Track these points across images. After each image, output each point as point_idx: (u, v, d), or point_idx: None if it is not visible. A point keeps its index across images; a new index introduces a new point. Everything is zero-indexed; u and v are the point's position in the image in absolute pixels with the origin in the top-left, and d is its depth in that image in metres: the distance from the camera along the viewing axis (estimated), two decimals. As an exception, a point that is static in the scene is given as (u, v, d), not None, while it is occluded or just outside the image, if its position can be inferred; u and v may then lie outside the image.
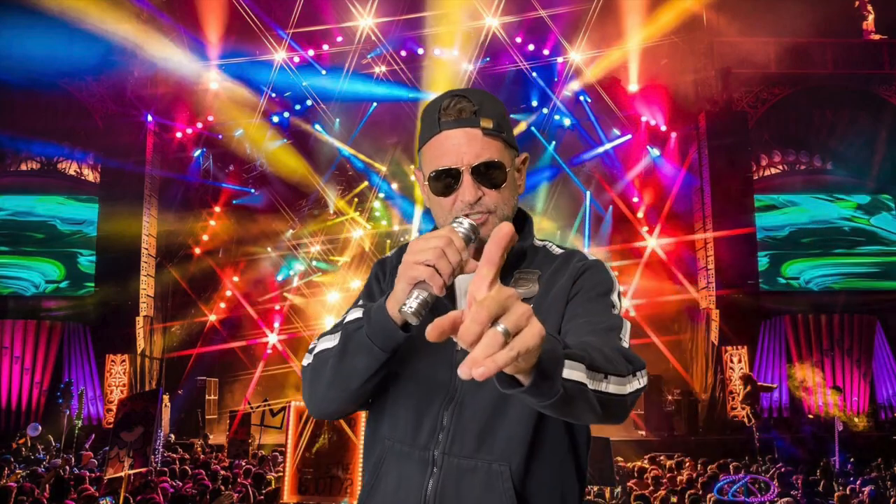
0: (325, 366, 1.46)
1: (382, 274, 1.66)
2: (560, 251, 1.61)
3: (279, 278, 18.00)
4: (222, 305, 17.32)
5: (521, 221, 1.64)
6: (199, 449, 12.55)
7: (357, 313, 1.45)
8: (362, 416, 5.79)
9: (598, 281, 1.50)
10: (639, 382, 1.36)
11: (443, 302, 1.44)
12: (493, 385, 1.35)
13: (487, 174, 1.49)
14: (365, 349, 1.39)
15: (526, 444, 1.43)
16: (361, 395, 1.47)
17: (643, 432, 14.40)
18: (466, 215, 1.47)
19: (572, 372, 1.20)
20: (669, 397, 15.11)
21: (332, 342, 1.47)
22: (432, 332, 1.02)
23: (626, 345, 1.40)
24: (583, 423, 1.46)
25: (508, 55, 16.21)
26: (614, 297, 1.50)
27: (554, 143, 17.37)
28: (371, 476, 1.53)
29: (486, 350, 0.95)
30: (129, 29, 15.18)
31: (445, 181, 1.50)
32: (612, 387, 1.27)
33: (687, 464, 10.49)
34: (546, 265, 1.57)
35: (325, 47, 16.40)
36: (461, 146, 1.49)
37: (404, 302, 1.28)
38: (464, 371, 0.96)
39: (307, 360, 1.53)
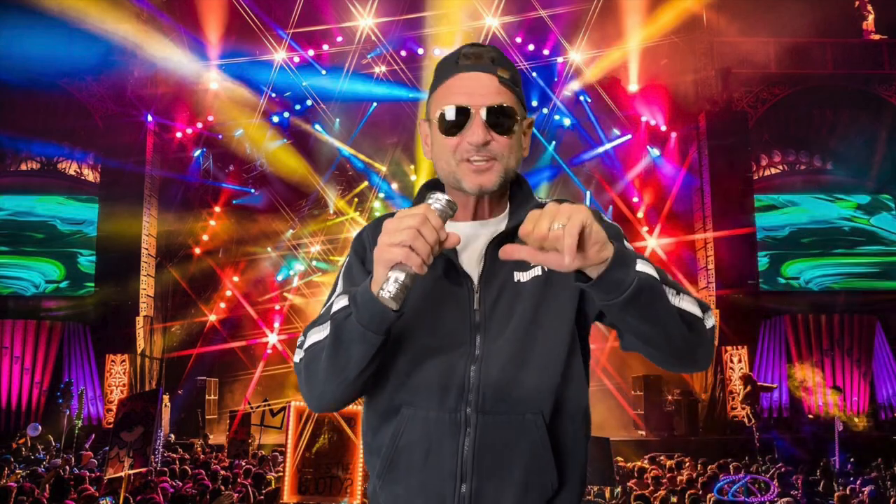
0: (318, 359, 1.40)
1: (362, 248, 1.56)
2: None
3: (279, 278, 17.99)
4: (222, 305, 17.31)
5: (519, 185, 1.58)
6: (199, 449, 12.54)
7: (343, 300, 1.38)
8: (362, 414, 5.79)
9: (607, 231, 1.29)
10: (713, 320, 1.36)
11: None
12: (512, 336, 1.42)
13: (499, 120, 1.45)
14: (358, 336, 1.34)
15: (553, 394, 1.41)
16: (361, 381, 1.42)
17: (643, 432, 14.40)
18: (468, 160, 1.44)
19: (646, 265, 1.27)
20: (669, 397, 15.10)
21: (321, 334, 1.41)
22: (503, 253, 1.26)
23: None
24: (672, 346, 1.34)
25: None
26: (627, 244, 1.38)
27: (554, 143, 17.36)
28: (388, 451, 1.44)
29: (554, 243, 1.16)
30: (129, 29, 15.18)
31: (456, 120, 1.45)
32: (686, 304, 1.29)
33: (687, 464, 10.48)
34: None
35: (325, 47, 16.39)
36: (477, 88, 1.46)
37: (381, 286, 1.26)
38: (505, 251, 1.25)
39: (298, 355, 1.47)
